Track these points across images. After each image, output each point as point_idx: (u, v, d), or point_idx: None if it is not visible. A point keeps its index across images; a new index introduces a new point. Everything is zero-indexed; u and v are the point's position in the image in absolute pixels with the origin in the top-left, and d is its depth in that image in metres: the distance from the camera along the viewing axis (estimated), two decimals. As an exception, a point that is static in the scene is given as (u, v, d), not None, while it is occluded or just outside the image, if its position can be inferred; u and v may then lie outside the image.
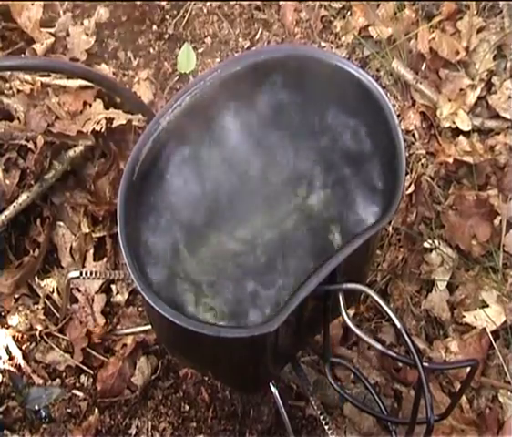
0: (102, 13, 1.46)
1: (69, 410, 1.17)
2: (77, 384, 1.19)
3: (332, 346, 1.17)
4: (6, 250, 1.26)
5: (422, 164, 1.35)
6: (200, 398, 1.17)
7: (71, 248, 1.27)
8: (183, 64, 1.44)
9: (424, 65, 1.43)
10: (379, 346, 0.81)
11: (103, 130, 1.27)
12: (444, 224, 1.30)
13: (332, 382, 0.95)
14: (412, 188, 1.31)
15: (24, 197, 1.23)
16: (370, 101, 0.87)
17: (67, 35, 1.42)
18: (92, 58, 1.42)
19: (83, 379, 1.20)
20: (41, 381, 1.18)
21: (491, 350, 1.21)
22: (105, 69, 1.39)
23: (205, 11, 1.51)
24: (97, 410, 1.16)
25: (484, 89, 1.39)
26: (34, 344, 1.21)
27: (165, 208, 0.87)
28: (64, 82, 1.32)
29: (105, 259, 1.27)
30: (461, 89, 1.39)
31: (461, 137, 1.36)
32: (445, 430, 1.14)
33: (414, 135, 1.39)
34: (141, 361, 1.19)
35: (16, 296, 1.24)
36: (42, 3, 1.42)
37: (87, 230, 1.28)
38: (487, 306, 1.23)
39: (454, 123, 1.36)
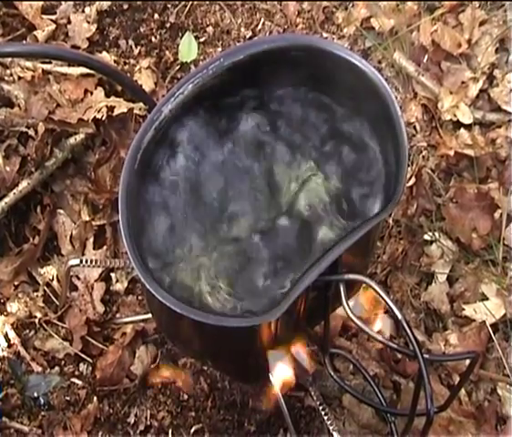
0: (103, 1, 1.46)
1: (68, 398, 1.17)
2: (76, 372, 1.19)
3: (332, 337, 1.17)
4: (6, 238, 1.26)
5: (423, 156, 1.35)
6: (199, 387, 1.18)
7: (71, 235, 1.27)
8: (185, 53, 1.43)
9: (426, 57, 1.42)
10: (379, 337, 0.81)
11: (104, 118, 1.27)
12: (444, 217, 1.30)
13: (332, 373, 0.96)
14: (413, 181, 1.31)
15: (24, 184, 1.23)
16: (372, 92, 0.87)
17: (69, 22, 1.42)
18: (93, 46, 1.42)
19: (82, 367, 1.20)
20: (40, 369, 1.18)
21: (490, 343, 1.21)
22: (106, 57, 1.38)
23: (207, 0, 1.50)
24: (95, 398, 1.16)
25: (485, 82, 1.39)
26: (33, 332, 1.21)
27: (166, 197, 0.87)
28: (65, 69, 1.32)
29: (105, 248, 1.27)
30: (463, 82, 1.39)
31: (462, 130, 1.36)
32: (443, 422, 1.14)
33: (415, 127, 1.39)
34: (140, 350, 1.19)
35: (16, 283, 1.24)
36: (43, -10, 1.42)
37: (87, 218, 1.28)
38: (487, 299, 1.23)
39: (455, 116, 1.36)
